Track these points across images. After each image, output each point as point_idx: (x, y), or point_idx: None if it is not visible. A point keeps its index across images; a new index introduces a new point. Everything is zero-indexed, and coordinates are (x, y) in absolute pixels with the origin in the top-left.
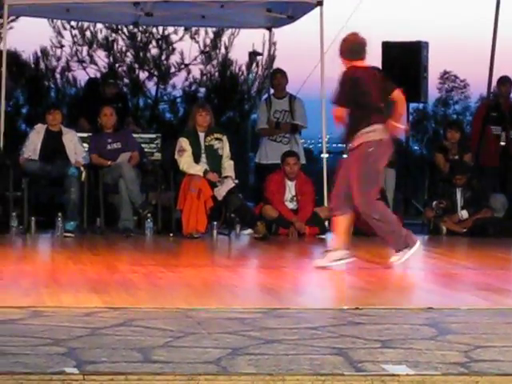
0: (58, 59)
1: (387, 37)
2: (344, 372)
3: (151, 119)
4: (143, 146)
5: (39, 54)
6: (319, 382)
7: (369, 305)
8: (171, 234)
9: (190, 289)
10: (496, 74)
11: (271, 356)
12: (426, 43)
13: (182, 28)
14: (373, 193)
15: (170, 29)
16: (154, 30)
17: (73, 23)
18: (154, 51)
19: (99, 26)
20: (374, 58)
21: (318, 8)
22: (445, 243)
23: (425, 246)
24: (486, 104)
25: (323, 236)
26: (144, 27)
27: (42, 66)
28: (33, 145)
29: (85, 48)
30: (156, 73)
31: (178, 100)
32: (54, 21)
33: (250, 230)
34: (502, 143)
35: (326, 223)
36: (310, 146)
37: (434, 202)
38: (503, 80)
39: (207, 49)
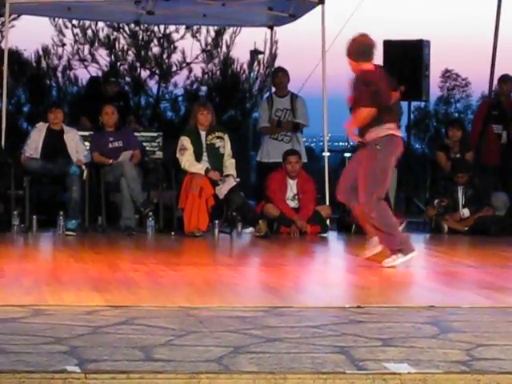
0: (60, 58)
1: (389, 35)
2: (346, 370)
3: (153, 118)
4: (145, 144)
5: (41, 52)
6: (321, 381)
7: (370, 303)
8: (173, 233)
9: (191, 287)
10: (497, 73)
11: (273, 354)
12: (428, 41)
13: (184, 26)
14: (377, 193)
15: (172, 27)
16: (156, 28)
17: (74, 22)
18: (156, 50)
19: (101, 24)
20: (375, 56)
21: (320, 6)
22: (446, 241)
23: (426, 244)
24: (487, 102)
25: (325, 234)
26: (145, 25)
27: (44, 64)
28: (34, 143)
29: (86, 46)
30: (157, 71)
31: (180, 98)
32: (56, 19)
33: (251, 229)
34: (503, 142)
35: (328, 221)
36: (312, 145)
37: (436, 201)
38: (504, 78)
39: (209, 47)
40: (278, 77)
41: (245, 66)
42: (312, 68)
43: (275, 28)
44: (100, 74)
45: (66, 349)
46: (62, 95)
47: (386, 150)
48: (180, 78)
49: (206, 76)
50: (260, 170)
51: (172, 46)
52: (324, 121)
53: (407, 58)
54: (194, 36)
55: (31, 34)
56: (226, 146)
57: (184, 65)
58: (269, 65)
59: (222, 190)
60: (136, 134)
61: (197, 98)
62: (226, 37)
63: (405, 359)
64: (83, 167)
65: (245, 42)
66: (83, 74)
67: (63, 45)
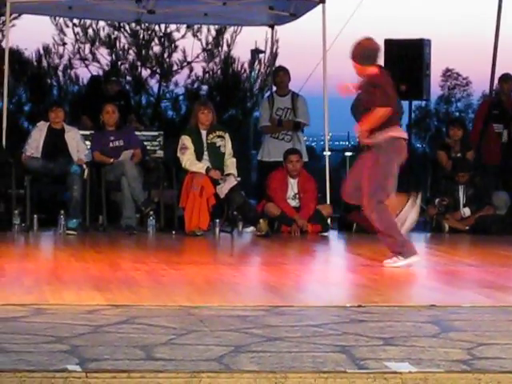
0: (61, 57)
1: (389, 34)
2: (346, 369)
3: (153, 117)
4: (145, 143)
5: (41, 51)
6: (322, 380)
7: (371, 302)
8: (174, 232)
9: (192, 286)
10: (498, 72)
11: (273, 354)
12: (429, 41)
13: (185, 25)
14: (378, 197)
15: (173, 26)
16: (157, 27)
17: (75, 21)
18: (157, 49)
19: (101, 23)
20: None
21: (321, 5)
22: (447, 241)
23: (427, 243)
24: (487, 102)
25: (325, 233)
26: (146, 25)
27: (45, 63)
28: (35, 142)
29: (87, 46)
30: (158, 70)
31: (181, 98)
32: (57, 18)
33: (252, 228)
34: (504, 141)
35: (328, 221)
36: (313, 144)
37: (437, 200)
38: (505, 77)
39: (209, 46)
40: (279, 76)
41: (246, 65)
42: (313, 67)
43: (276, 27)
44: (101, 73)
45: (66, 348)
46: (63, 94)
47: (389, 154)
48: (181, 77)
49: (207, 75)
50: (261, 169)
51: (173, 45)
52: (325, 120)
53: (408, 57)
54: (194, 35)
55: (32, 33)
56: (226, 145)
57: (185, 64)
58: (270, 64)
59: (223, 189)
60: (137, 133)
61: (197, 97)
62: (227, 36)
63: (406, 358)
64: (84, 166)
65: (246, 41)
66: (84, 73)
67: (64, 44)
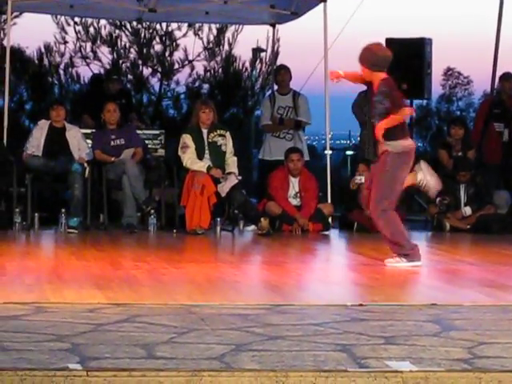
0: (62, 55)
1: (391, 33)
2: (347, 368)
3: (155, 115)
4: (147, 142)
5: (43, 50)
6: (322, 379)
7: (372, 301)
8: (175, 231)
9: (193, 285)
10: (500, 71)
11: (275, 352)
12: (430, 40)
13: (186, 24)
14: (385, 204)
15: (174, 25)
16: (158, 26)
17: (76, 19)
18: (158, 47)
19: (103, 22)
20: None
21: (322, 4)
22: (448, 240)
23: (428, 242)
24: (488, 101)
25: (326, 232)
26: (147, 23)
27: (46, 62)
28: (36, 141)
29: (88, 44)
30: (159, 69)
31: (182, 96)
32: (58, 17)
33: (253, 227)
34: (505, 140)
35: (330, 219)
36: (314, 143)
37: (438, 199)
38: (506, 76)
39: (211, 45)
40: (280, 74)
41: (247, 64)
42: (314, 66)
43: (277, 26)
44: (102, 71)
45: (67, 346)
46: (64, 93)
47: (397, 161)
48: (182, 76)
49: (208, 74)
50: (262, 167)
51: (174, 44)
52: (326, 119)
53: (409, 56)
54: (196, 34)
55: (33, 32)
56: (227, 143)
57: (186, 62)
58: (271, 63)
59: (224, 188)
60: (138, 131)
61: (199, 96)
62: (228, 34)
63: (407, 357)
64: (85, 165)
65: (247, 39)
66: (85, 72)
67: (65, 42)
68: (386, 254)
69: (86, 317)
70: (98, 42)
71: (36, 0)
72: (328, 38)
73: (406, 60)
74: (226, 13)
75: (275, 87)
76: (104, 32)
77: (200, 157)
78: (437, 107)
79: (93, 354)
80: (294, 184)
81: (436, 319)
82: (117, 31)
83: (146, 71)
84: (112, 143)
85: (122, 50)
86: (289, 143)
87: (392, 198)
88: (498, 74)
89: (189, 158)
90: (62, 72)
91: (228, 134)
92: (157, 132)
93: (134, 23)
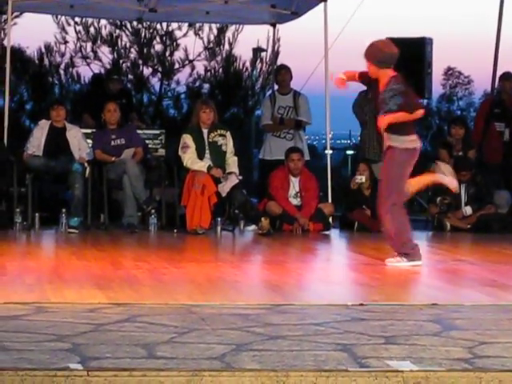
0: (62, 55)
1: (391, 33)
2: (348, 368)
3: (155, 115)
4: (147, 142)
5: (43, 50)
6: (323, 378)
7: (373, 301)
8: (175, 230)
9: (193, 285)
10: (500, 70)
11: (275, 352)
12: (430, 39)
13: (186, 24)
14: (393, 199)
15: (174, 25)
16: (158, 25)
17: (77, 19)
18: (158, 47)
19: (103, 22)
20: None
21: (322, 4)
22: (449, 239)
23: (429, 242)
24: (489, 100)
25: (327, 232)
26: (148, 23)
27: (46, 62)
28: (37, 141)
29: (89, 44)
30: (160, 69)
31: (182, 96)
32: (58, 17)
33: (253, 226)
34: (506, 139)
35: (330, 219)
36: (314, 143)
37: (438, 199)
38: (507, 76)
39: (211, 45)
40: (281, 74)
41: (247, 64)
42: (314, 65)
43: (278, 26)
44: (103, 71)
45: (68, 346)
46: (65, 92)
47: (402, 157)
48: (182, 76)
49: (209, 74)
50: (262, 167)
51: (174, 44)
52: (326, 119)
53: (410, 56)
54: (196, 33)
55: (34, 32)
56: (228, 143)
57: (186, 62)
58: (271, 62)
59: (225, 188)
60: (138, 131)
61: (199, 96)
62: (229, 34)
63: (407, 357)
64: (85, 165)
65: (247, 39)
66: (86, 72)
67: (66, 42)
68: (386, 254)
69: (87, 317)
70: (99, 41)
71: (36, 0)
72: (328, 38)
73: (406, 59)
74: (226, 12)
75: (276, 87)
76: (104, 32)
77: (200, 157)
78: (437, 107)
79: (93, 354)
80: (295, 184)
81: (436, 319)
82: (117, 31)
83: (147, 71)
84: (112, 143)
85: (122, 50)
86: (289, 143)
87: (400, 193)
88: (499, 73)
89: (189, 157)
90: (62, 72)
91: (228, 134)
92: (157, 132)
93: (135, 23)
